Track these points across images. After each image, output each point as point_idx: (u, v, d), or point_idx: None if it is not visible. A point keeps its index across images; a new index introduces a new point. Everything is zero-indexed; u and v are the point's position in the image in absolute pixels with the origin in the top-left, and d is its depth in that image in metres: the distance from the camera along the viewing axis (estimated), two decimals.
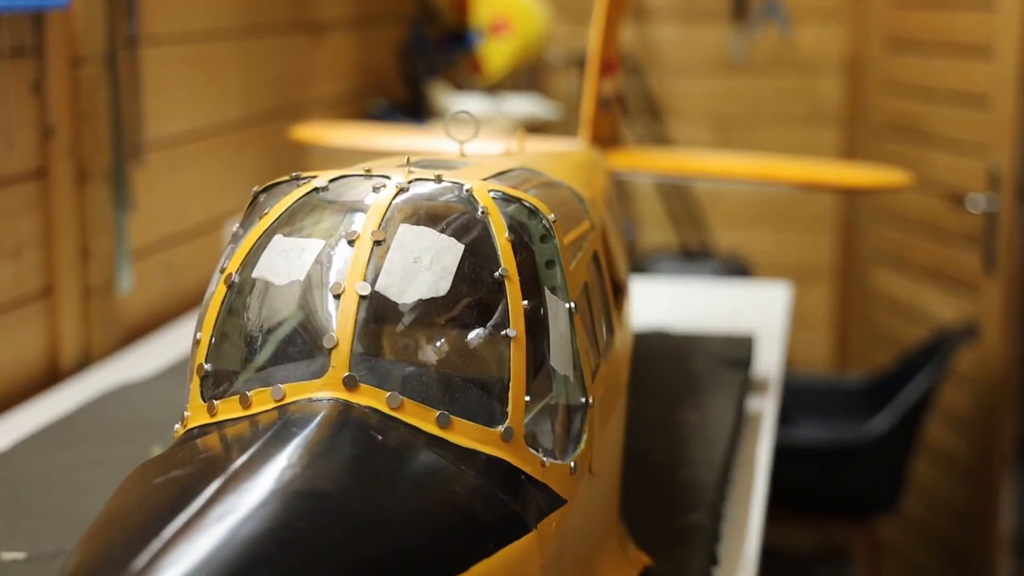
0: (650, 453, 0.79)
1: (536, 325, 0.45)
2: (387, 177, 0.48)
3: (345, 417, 0.40)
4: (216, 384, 0.44)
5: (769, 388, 1.07)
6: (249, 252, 0.46)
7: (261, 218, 0.47)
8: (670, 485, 0.76)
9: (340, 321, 0.42)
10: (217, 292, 0.46)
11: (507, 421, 0.43)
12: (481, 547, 0.36)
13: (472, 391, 0.44)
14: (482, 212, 0.47)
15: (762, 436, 0.96)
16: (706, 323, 1.20)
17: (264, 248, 0.46)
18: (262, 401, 0.42)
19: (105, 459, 0.79)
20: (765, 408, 1.03)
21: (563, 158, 0.80)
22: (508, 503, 0.40)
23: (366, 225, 0.45)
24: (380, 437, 0.40)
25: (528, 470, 0.43)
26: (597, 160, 0.85)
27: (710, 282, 1.74)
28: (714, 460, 0.81)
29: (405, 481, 0.38)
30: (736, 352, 1.08)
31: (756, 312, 1.31)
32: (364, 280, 0.43)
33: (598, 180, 0.76)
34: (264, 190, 0.51)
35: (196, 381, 0.45)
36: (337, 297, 0.43)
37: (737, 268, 2.18)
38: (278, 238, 0.46)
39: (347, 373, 0.41)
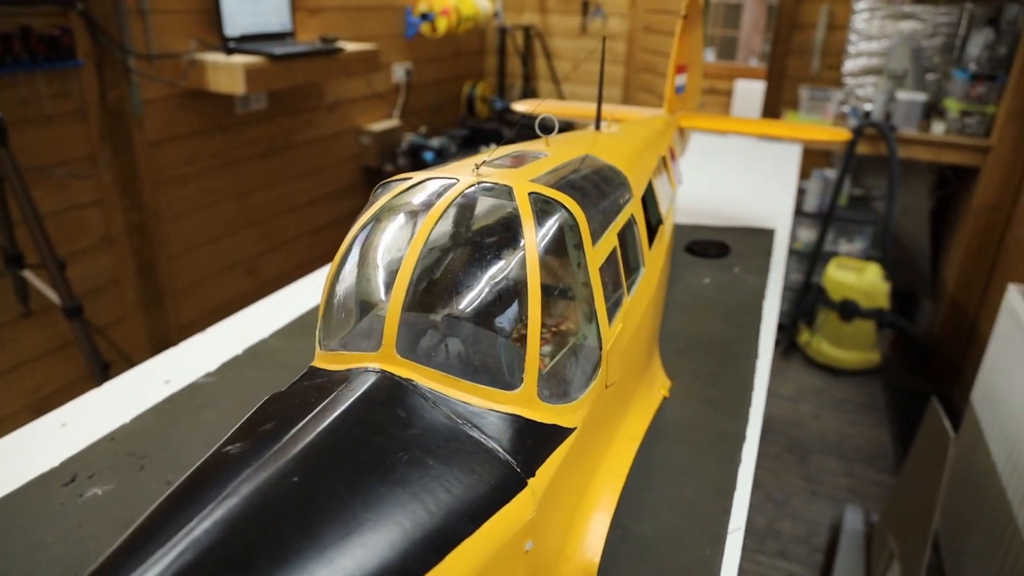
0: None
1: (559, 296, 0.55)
2: (456, 180, 0.56)
3: (385, 386, 0.46)
4: (324, 337, 0.54)
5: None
6: (352, 239, 0.55)
7: (366, 212, 0.56)
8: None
9: (391, 307, 0.49)
10: (331, 269, 0.56)
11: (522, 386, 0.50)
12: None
13: (492, 363, 0.51)
14: (517, 211, 0.53)
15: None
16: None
17: (357, 237, 0.55)
18: (340, 361, 0.50)
19: None
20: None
21: (647, 123, 1.14)
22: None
23: (423, 225, 0.51)
24: (407, 412, 0.45)
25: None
26: (670, 121, 1.31)
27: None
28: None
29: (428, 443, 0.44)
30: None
31: None
32: (412, 274, 0.49)
33: (663, 136, 1.14)
34: (380, 186, 0.59)
35: (317, 329, 0.54)
36: (390, 286, 0.50)
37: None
38: (367, 229, 0.55)
39: (392, 351, 0.48)
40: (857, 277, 3.10)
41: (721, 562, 0.62)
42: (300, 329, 1.01)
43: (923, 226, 3.55)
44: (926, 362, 3.35)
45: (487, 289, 0.51)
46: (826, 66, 3.64)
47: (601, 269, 0.57)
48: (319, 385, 0.48)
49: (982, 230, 3.08)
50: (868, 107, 3.24)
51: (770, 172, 2.05)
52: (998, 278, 2.98)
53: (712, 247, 1.34)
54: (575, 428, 0.53)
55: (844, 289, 3.10)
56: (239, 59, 2.24)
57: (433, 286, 0.50)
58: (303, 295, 1.15)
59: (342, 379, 0.48)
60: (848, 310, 3.07)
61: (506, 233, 0.52)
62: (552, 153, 0.68)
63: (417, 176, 0.57)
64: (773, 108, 3.73)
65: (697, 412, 0.83)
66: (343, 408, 0.44)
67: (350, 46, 2.68)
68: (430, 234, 0.50)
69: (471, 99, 4.14)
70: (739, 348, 0.99)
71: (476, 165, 0.58)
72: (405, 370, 0.48)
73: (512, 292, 0.50)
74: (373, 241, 0.55)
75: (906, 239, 3.57)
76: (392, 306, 0.48)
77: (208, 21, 2.36)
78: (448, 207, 0.52)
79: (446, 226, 0.52)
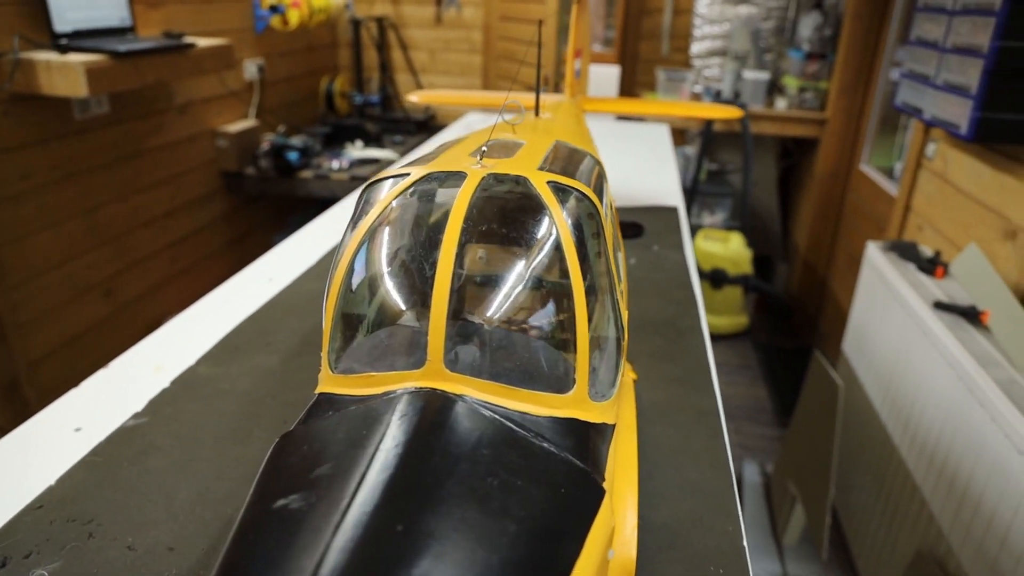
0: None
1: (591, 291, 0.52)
2: (464, 175, 0.51)
3: (441, 406, 0.42)
4: (338, 358, 0.48)
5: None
6: (357, 246, 0.50)
7: (366, 214, 0.50)
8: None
9: (434, 317, 0.44)
10: (335, 279, 0.49)
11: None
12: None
13: (543, 367, 0.48)
14: (542, 202, 0.50)
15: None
16: None
17: (366, 243, 0.49)
18: (371, 383, 0.45)
19: None
20: None
21: (564, 108, 1.10)
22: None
23: (450, 224, 0.46)
24: (477, 431, 0.41)
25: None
26: (577, 105, 1.29)
27: None
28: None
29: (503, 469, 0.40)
30: None
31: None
32: (451, 279, 0.44)
33: (581, 119, 1.12)
34: (370, 185, 0.53)
35: (325, 350, 0.49)
36: (423, 295, 0.45)
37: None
38: (375, 234, 0.49)
39: (441, 365, 0.43)
40: (723, 246, 3.30)
41: (743, 537, 0.62)
42: (229, 352, 0.91)
43: (772, 195, 3.84)
44: (787, 320, 3.64)
45: (525, 287, 0.47)
46: (675, 48, 3.83)
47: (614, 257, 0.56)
48: (357, 415, 0.42)
49: (824, 195, 3.38)
50: (719, 87, 3.45)
51: (647, 151, 2.12)
52: (841, 238, 3.29)
53: (628, 228, 1.36)
54: (615, 424, 0.51)
55: (713, 259, 3.30)
56: (77, 58, 1.99)
57: (469, 290, 0.46)
58: (212, 314, 1.04)
59: (384, 404, 0.42)
60: (718, 278, 3.27)
61: (536, 226, 0.49)
62: (528, 141, 0.65)
63: (415, 172, 0.52)
64: (629, 90, 3.88)
65: (669, 392, 0.84)
66: (408, 437, 0.38)
67: (201, 42, 2.47)
68: (461, 235, 0.46)
69: (330, 95, 3.98)
70: (684, 325, 1.01)
71: (478, 155, 0.53)
72: (456, 385, 0.43)
73: (553, 287, 0.47)
74: (382, 247, 0.49)
75: (758, 208, 3.85)
76: (435, 316, 0.43)
77: (32, 15, 2.08)
78: (470, 203, 0.47)
79: (469, 224, 0.48)
